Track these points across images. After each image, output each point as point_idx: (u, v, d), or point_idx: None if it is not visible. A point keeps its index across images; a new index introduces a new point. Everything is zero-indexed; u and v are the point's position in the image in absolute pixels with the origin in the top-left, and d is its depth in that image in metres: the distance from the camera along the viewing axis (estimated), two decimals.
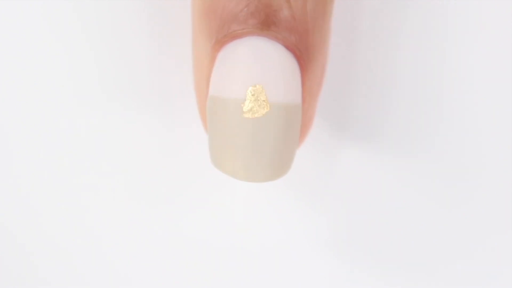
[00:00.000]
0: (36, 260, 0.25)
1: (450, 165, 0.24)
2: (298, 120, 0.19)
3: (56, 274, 0.25)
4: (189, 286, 0.25)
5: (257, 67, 0.18)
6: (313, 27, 0.19)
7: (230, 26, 0.19)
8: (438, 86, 0.23)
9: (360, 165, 0.24)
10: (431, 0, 0.23)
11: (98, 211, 0.24)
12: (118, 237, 0.25)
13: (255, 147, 0.19)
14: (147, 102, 0.24)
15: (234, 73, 0.19)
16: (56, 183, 0.24)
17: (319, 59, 0.20)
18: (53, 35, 0.23)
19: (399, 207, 0.24)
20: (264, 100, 0.18)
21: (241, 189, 0.24)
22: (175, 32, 0.23)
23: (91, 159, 0.24)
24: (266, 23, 0.19)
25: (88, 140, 0.24)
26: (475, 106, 0.24)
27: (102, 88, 0.24)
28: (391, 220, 0.24)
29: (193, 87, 0.21)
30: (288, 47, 0.19)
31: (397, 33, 0.23)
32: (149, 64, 0.23)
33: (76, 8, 0.23)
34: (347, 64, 0.23)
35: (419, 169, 0.24)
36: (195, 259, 0.25)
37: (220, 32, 0.19)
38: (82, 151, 0.24)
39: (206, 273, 0.25)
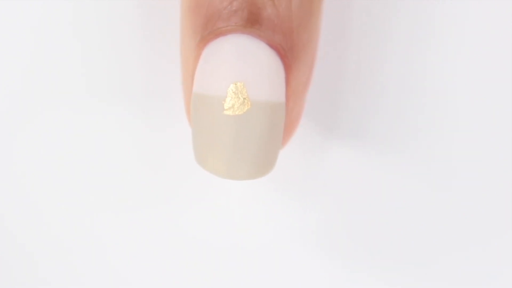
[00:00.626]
0: (36, 260, 0.25)
1: (441, 163, 0.24)
2: (281, 118, 0.19)
3: (56, 274, 0.25)
4: (186, 285, 0.25)
5: (240, 64, 0.18)
6: (298, 26, 0.19)
7: (214, 23, 0.19)
8: (428, 86, 0.23)
9: (354, 164, 0.24)
10: None
11: (97, 211, 0.24)
12: (116, 236, 0.25)
13: (238, 144, 0.19)
14: (144, 100, 0.24)
15: (217, 71, 0.19)
16: (55, 183, 0.24)
17: (305, 58, 0.20)
18: (44, 33, 0.23)
19: (391, 205, 0.24)
20: (245, 98, 0.18)
21: (236, 188, 0.24)
22: (166, 30, 0.23)
23: (89, 158, 0.24)
24: (250, 21, 0.19)
25: (86, 140, 0.24)
26: (465, 105, 0.24)
27: (97, 87, 0.24)
28: (385, 218, 0.24)
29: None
30: (272, 46, 0.19)
31: (388, 33, 0.23)
32: (146, 63, 0.23)
33: (68, 6, 0.23)
34: (338, 64, 0.23)
35: (409, 168, 0.24)
36: (192, 258, 0.25)
37: (205, 29, 0.19)
38: (81, 151, 0.24)
39: (203, 273, 0.25)
